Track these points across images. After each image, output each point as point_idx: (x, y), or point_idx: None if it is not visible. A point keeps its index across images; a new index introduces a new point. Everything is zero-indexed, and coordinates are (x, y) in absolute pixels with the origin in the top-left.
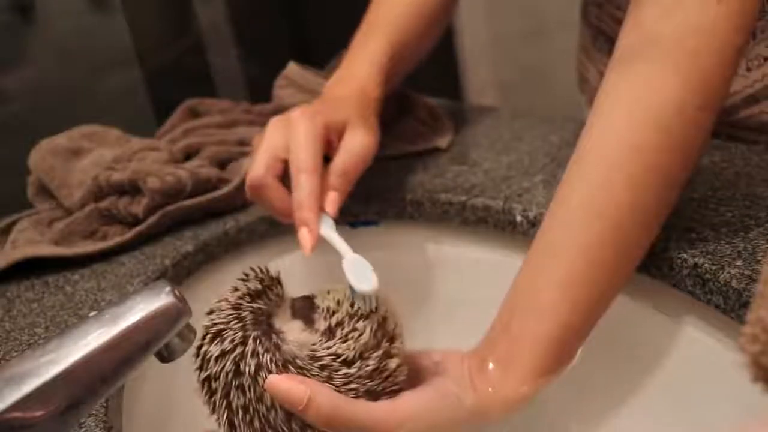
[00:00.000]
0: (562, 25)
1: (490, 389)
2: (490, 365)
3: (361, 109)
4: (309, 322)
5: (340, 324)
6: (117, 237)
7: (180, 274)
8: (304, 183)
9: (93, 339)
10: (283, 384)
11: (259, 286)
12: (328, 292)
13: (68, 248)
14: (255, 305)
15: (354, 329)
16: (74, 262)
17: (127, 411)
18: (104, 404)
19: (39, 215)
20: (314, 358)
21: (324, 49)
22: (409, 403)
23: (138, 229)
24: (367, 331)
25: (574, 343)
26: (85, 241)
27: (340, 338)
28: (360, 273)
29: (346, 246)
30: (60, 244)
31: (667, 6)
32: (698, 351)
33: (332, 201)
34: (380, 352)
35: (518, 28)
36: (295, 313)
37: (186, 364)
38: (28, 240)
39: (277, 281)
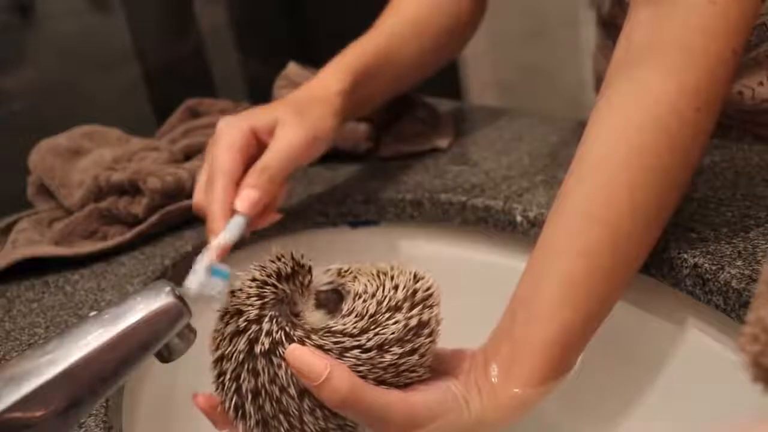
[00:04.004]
0: (563, 25)
1: (493, 393)
2: (494, 368)
3: (299, 105)
4: (333, 311)
5: (369, 313)
6: (117, 237)
7: (180, 274)
8: (214, 189)
9: (93, 339)
10: (306, 355)
11: (289, 270)
12: (355, 278)
13: (68, 248)
14: (280, 286)
15: (383, 321)
16: (74, 262)
17: (127, 411)
18: (104, 404)
19: (39, 215)
20: (330, 332)
21: (324, 49)
22: (417, 398)
23: (138, 229)
24: (394, 326)
25: (575, 348)
26: (85, 241)
27: (357, 316)
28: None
29: (209, 257)
30: (60, 244)
31: (662, 7)
32: (698, 351)
33: (244, 198)
34: (402, 349)
35: (518, 28)
36: (320, 304)
37: (186, 364)
38: (28, 240)
39: (308, 270)
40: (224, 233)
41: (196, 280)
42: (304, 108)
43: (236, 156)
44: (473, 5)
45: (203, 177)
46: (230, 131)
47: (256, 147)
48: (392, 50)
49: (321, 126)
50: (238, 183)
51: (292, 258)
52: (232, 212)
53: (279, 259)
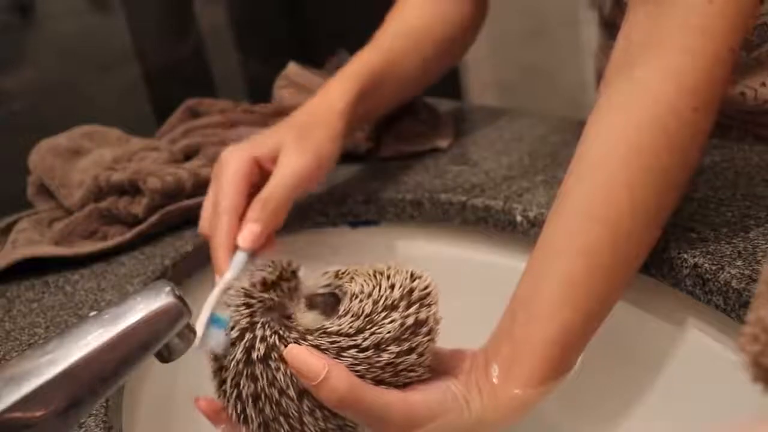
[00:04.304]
0: (563, 26)
1: (493, 394)
2: (494, 368)
3: (302, 129)
4: (330, 313)
5: (365, 312)
6: (117, 237)
7: (180, 274)
8: (219, 225)
9: (93, 339)
10: (304, 354)
11: (273, 277)
12: (352, 279)
13: (68, 248)
14: (266, 295)
15: (379, 320)
16: (74, 262)
17: (127, 411)
18: (104, 404)
19: (39, 215)
20: (325, 333)
21: (324, 49)
22: (417, 397)
23: (138, 228)
24: (390, 325)
25: (575, 348)
26: (85, 241)
27: (353, 316)
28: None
29: (210, 304)
30: (60, 244)
31: (660, 7)
32: (698, 351)
33: (247, 234)
34: (399, 347)
35: (519, 29)
36: (312, 306)
37: (186, 364)
38: (28, 240)
39: (294, 275)
40: (228, 273)
41: (197, 332)
42: (307, 131)
43: (240, 188)
44: (474, 11)
45: (209, 202)
46: (234, 161)
47: (259, 175)
48: (395, 60)
49: (325, 150)
50: (242, 216)
51: (279, 265)
52: (235, 246)
53: (266, 268)
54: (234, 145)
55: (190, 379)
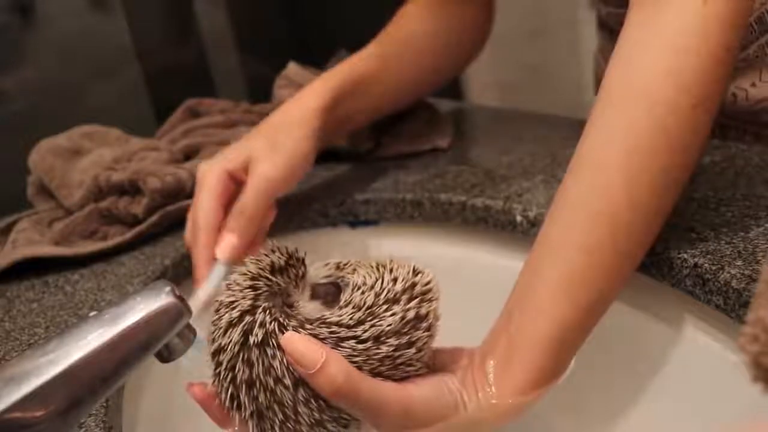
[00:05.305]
0: (563, 25)
1: (489, 390)
2: (491, 364)
3: (274, 135)
4: (329, 303)
5: (366, 304)
6: (117, 237)
7: (180, 274)
8: (197, 241)
9: (93, 339)
10: (301, 343)
11: (282, 262)
12: (354, 270)
13: (68, 248)
14: (273, 279)
15: (380, 313)
16: (74, 262)
17: (127, 411)
18: (104, 404)
19: (39, 215)
20: (325, 323)
21: (324, 49)
22: (413, 390)
23: (138, 229)
24: (391, 318)
25: (571, 345)
26: (85, 241)
27: (354, 308)
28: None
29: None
30: (60, 244)
31: (655, 8)
32: (698, 351)
33: (224, 245)
34: (398, 341)
35: (519, 29)
36: (315, 295)
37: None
38: (28, 240)
39: (301, 262)
40: (206, 284)
41: None
42: (279, 136)
43: (215, 204)
44: (479, 19)
45: (190, 218)
46: (208, 178)
47: (234, 186)
48: (388, 66)
49: (298, 153)
50: (220, 228)
51: (286, 251)
52: (214, 258)
53: (273, 252)
54: (208, 161)
55: (190, 379)
